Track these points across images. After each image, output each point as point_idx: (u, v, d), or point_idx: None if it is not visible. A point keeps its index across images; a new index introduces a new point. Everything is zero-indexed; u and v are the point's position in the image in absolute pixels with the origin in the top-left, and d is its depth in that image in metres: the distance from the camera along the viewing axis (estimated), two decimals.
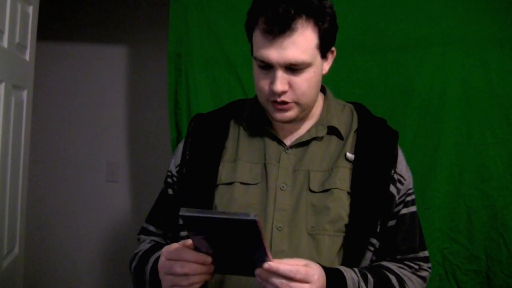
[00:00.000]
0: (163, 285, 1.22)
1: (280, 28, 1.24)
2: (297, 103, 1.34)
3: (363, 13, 2.11)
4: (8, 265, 1.84)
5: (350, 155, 1.41)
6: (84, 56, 3.08)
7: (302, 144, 1.43)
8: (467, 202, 2.03)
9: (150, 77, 3.02)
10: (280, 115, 1.35)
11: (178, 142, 2.19)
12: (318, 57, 1.34)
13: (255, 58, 1.32)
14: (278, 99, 1.31)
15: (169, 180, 1.57)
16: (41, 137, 3.03)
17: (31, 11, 2.00)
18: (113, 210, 3.08)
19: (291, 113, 1.35)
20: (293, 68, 1.29)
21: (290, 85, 1.30)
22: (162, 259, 1.21)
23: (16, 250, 1.97)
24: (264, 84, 1.33)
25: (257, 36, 1.30)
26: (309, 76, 1.32)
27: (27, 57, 2.00)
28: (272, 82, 1.29)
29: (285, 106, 1.33)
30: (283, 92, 1.30)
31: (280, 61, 1.27)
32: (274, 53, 1.26)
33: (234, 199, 1.38)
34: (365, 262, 1.36)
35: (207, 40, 2.17)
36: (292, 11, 1.24)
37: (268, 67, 1.30)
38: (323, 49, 1.35)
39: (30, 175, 2.21)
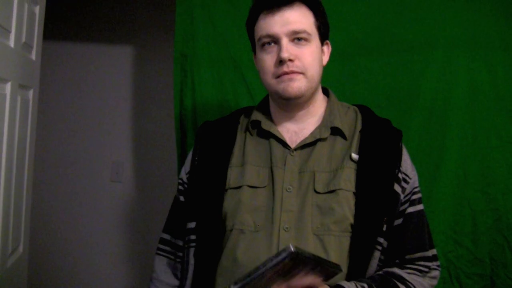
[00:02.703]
0: None
1: (280, 3, 1.39)
2: (304, 74, 1.40)
3: (368, 15, 2.11)
4: (12, 264, 1.84)
5: (355, 156, 1.44)
6: (90, 56, 3.09)
7: (307, 145, 1.46)
8: (472, 205, 2.03)
9: (155, 77, 3.02)
10: (289, 87, 1.40)
11: (183, 142, 2.20)
12: (317, 38, 1.45)
13: (259, 39, 1.43)
14: (287, 69, 1.38)
15: (181, 187, 1.62)
16: (46, 136, 3.03)
17: (38, 10, 2.01)
18: (117, 211, 3.08)
19: (299, 83, 1.40)
20: (297, 39, 1.40)
21: (296, 56, 1.39)
22: None
23: (21, 249, 1.97)
24: (270, 61, 1.42)
25: (260, 21, 1.44)
26: (313, 50, 1.42)
27: (33, 56, 2.01)
28: (278, 54, 1.39)
29: (293, 76, 1.39)
30: (290, 60, 1.38)
31: (284, 30, 1.39)
32: (277, 25, 1.39)
33: (242, 202, 1.42)
34: (374, 261, 1.39)
35: (212, 41, 2.18)
36: None
37: (273, 42, 1.41)
38: (321, 33, 1.46)
39: (35, 174, 2.22)
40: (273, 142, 1.48)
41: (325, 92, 1.58)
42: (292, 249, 1.06)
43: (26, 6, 1.84)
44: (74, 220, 3.10)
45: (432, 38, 2.08)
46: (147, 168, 3.07)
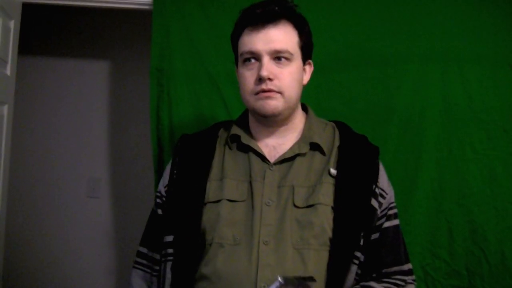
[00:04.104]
0: None
1: (265, 20, 1.40)
2: (281, 94, 1.41)
3: (344, 29, 2.13)
4: None
5: (333, 171, 1.45)
6: (66, 71, 3.07)
7: (286, 160, 1.47)
8: (448, 217, 2.04)
9: (132, 92, 3.01)
10: (266, 105, 1.42)
11: (159, 157, 2.18)
12: (300, 58, 1.46)
13: (242, 54, 1.44)
14: (265, 87, 1.39)
15: (158, 200, 1.60)
16: (22, 152, 3.00)
17: (13, 25, 1.99)
18: (94, 226, 3.05)
19: (276, 103, 1.42)
20: (278, 58, 1.40)
21: (275, 76, 1.39)
22: None
23: None
24: (250, 78, 1.42)
25: (244, 35, 1.44)
26: (292, 70, 1.43)
27: (8, 71, 1.99)
28: (258, 72, 1.39)
29: (271, 94, 1.40)
30: (270, 79, 1.38)
31: (266, 48, 1.39)
32: (260, 43, 1.40)
33: (221, 216, 1.42)
34: (351, 275, 1.39)
35: (189, 56, 2.17)
36: (276, 8, 1.42)
37: (254, 59, 1.42)
38: (304, 52, 1.47)
39: (10, 190, 2.19)
40: (252, 156, 1.49)
41: (304, 108, 1.59)
42: (281, 280, 1.14)
43: (0, 20, 1.82)
44: (50, 237, 3.06)
45: (407, 52, 2.10)
46: (124, 184, 3.04)
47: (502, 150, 2.04)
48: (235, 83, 2.11)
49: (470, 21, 2.10)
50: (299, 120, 1.54)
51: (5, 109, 1.98)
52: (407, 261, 1.51)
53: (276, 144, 1.50)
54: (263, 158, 1.48)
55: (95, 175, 3.06)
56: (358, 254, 1.40)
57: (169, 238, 1.48)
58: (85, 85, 3.05)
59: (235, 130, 1.54)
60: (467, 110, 2.06)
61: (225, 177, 1.47)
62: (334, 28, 2.14)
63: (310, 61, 1.54)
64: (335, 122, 1.61)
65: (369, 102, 2.10)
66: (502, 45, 2.08)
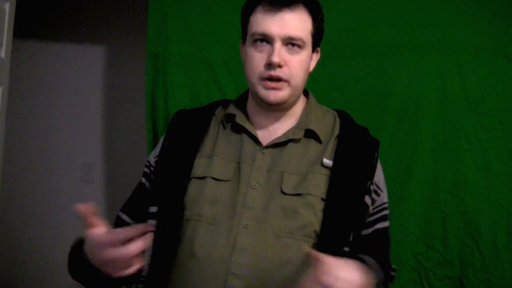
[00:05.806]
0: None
1: (282, 3, 1.35)
2: (288, 83, 1.38)
3: (341, 17, 2.11)
4: None
5: (327, 161, 1.42)
6: (61, 55, 3.05)
7: (278, 145, 1.44)
8: (442, 207, 2.05)
9: (127, 77, 2.99)
10: (272, 95, 1.39)
11: (154, 143, 2.18)
12: (310, 46, 1.43)
13: (253, 34, 1.39)
14: (274, 74, 1.36)
15: (146, 170, 1.58)
16: (16, 135, 2.98)
17: (8, 8, 1.98)
18: None
19: (283, 93, 1.39)
20: (290, 44, 1.37)
21: (285, 63, 1.36)
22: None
23: None
24: (259, 60, 1.38)
25: (258, 14, 1.38)
26: (303, 58, 1.40)
27: (3, 54, 1.98)
28: (269, 56, 1.35)
29: (278, 84, 1.37)
30: (280, 66, 1.35)
31: (280, 33, 1.35)
32: (275, 26, 1.35)
33: (203, 193, 1.39)
34: None
35: (185, 41, 2.16)
36: None
37: (266, 42, 1.37)
38: (315, 40, 1.44)
39: (3, 173, 2.18)
40: (245, 137, 1.47)
41: (305, 93, 1.56)
42: None
43: None
44: (43, 221, 3.06)
45: (404, 42, 2.10)
46: (118, 168, 3.04)
47: (497, 141, 2.04)
48: (231, 69, 2.12)
49: (468, 12, 2.09)
50: (298, 106, 1.51)
51: (0, 91, 1.97)
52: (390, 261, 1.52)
53: (271, 128, 1.48)
54: (255, 140, 1.45)
55: (89, 159, 3.05)
56: (346, 249, 1.37)
57: (153, 209, 1.45)
58: (81, 69, 3.03)
59: (231, 109, 1.51)
60: (463, 101, 2.06)
61: (214, 155, 1.45)
62: (332, 16, 2.11)
63: (318, 48, 1.51)
64: (337, 111, 1.59)
65: (365, 91, 2.10)
66: (500, 36, 2.07)
